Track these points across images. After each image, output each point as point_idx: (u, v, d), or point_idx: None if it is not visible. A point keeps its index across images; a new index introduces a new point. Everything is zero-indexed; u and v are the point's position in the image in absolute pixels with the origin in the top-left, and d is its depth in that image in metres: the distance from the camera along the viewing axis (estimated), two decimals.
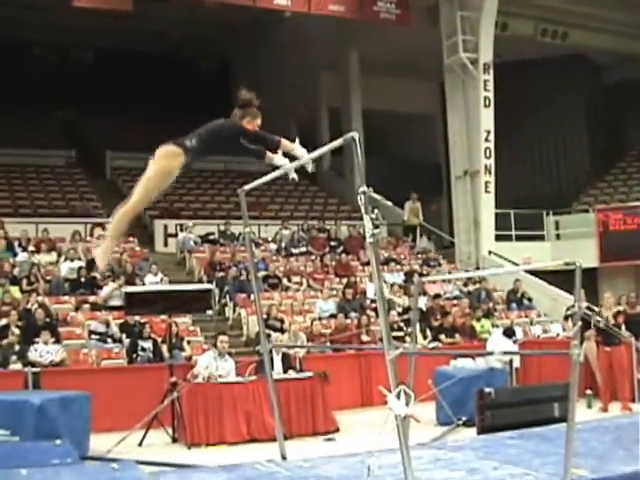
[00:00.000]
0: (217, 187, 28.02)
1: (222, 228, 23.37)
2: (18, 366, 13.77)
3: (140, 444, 11.67)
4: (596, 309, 14.50)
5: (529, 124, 31.53)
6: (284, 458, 9.16)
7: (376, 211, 5.95)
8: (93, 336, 15.67)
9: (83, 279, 18.16)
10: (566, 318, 17.36)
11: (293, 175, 7.27)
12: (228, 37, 31.75)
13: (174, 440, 12.26)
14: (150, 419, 11.81)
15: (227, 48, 32.86)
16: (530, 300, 21.86)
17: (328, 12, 22.62)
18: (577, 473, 7.12)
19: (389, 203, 6.51)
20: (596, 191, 30.06)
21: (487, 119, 24.47)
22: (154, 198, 6.87)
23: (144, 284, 18.04)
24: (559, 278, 18.40)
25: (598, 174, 31.35)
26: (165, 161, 6.56)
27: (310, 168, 7.08)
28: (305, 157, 6.96)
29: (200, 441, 11.89)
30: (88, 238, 21.17)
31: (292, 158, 7.08)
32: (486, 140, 24.39)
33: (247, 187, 8.68)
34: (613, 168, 31.36)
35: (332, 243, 23.52)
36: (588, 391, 14.42)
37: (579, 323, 7.00)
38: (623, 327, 14.30)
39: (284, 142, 6.94)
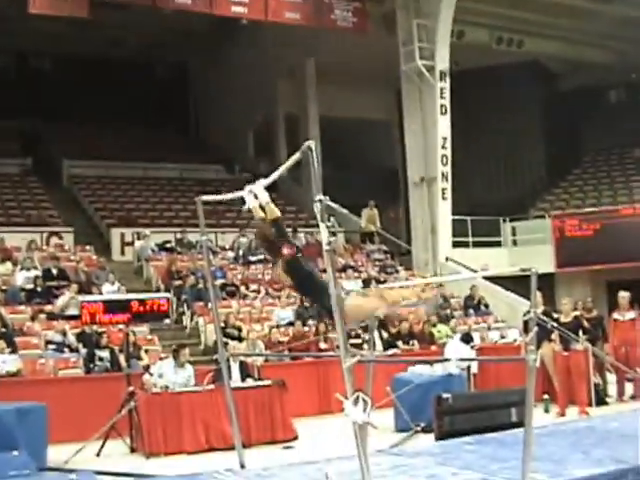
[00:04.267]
0: (174, 195, 27.59)
1: (179, 236, 23.14)
2: None
3: (98, 454, 11.58)
4: (554, 315, 14.61)
5: (486, 131, 31.75)
6: (243, 467, 9.15)
7: (332, 219, 6.00)
8: (50, 346, 15.47)
9: (39, 288, 17.99)
10: (524, 323, 17.49)
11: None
12: (186, 43, 31.60)
13: (132, 450, 12.15)
14: (108, 429, 11.73)
15: (185, 54, 32.66)
16: (487, 306, 21.90)
17: (285, 20, 22.51)
18: (535, 477, 7.17)
19: (345, 211, 6.54)
20: (552, 197, 30.33)
21: (444, 126, 24.54)
22: None
23: (101, 293, 17.89)
24: (516, 284, 18.48)
25: (554, 181, 31.63)
26: None
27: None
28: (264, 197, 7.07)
29: (159, 451, 11.78)
30: (44, 247, 20.98)
31: None
32: (443, 147, 24.47)
33: (205, 197, 8.69)
34: (569, 175, 31.66)
35: None
36: (545, 396, 14.52)
37: (535, 328, 7.03)
38: (580, 332, 14.41)
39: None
